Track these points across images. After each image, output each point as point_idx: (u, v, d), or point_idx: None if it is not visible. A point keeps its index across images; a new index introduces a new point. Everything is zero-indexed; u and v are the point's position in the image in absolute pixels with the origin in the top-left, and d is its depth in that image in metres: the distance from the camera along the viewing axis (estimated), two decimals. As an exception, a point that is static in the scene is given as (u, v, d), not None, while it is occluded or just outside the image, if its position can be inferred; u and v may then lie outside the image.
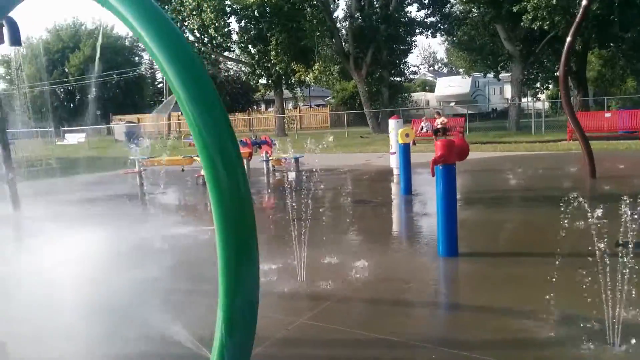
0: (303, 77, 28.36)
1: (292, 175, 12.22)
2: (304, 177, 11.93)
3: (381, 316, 3.67)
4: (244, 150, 12.27)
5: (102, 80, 56.34)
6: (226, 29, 29.02)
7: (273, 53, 27.16)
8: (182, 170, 11.13)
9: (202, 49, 30.59)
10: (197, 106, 1.87)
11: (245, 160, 12.08)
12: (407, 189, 8.71)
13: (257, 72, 30.82)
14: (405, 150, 8.77)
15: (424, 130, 19.80)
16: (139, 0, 1.97)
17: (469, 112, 30.23)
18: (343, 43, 28.39)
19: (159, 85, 66.96)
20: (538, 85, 28.61)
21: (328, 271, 4.61)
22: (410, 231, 6.50)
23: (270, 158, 12.60)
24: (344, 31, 29.40)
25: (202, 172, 8.23)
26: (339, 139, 25.54)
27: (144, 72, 65.35)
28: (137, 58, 64.44)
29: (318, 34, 26.64)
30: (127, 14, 1.94)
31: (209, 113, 1.90)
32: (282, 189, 9.95)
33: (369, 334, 3.28)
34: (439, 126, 19.41)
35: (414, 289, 4.16)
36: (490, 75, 28.73)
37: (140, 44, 64.66)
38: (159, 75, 64.58)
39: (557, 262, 4.17)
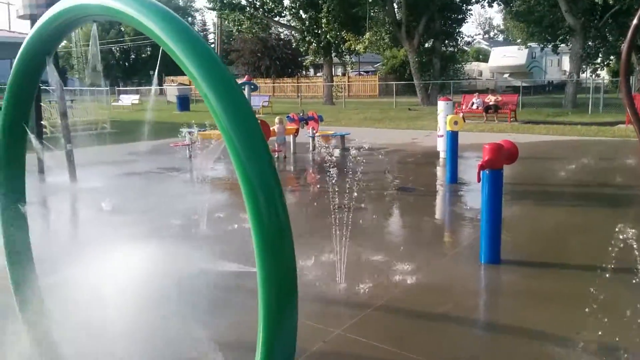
0: (353, 47, 27.91)
1: (337, 153, 12.23)
2: (349, 156, 11.93)
3: (418, 331, 3.71)
4: (291, 125, 12.33)
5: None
6: (278, -6, 28.78)
7: (324, 20, 26.80)
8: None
9: (254, 13, 30.53)
10: (240, 140, 1.79)
11: (292, 137, 12.16)
12: (453, 178, 8.60)
13: (307, 38, 30.55)
14: (453, 138, 8.61)
15: (475, 106, 19.28)
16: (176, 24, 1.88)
17: (524, 84, 29.17)
18: (396, 11, 27.70)
19: (211, 46, 67.16)
20: (599, 60, 27.17)
21: (367, 272, 4.66)
22: (453, 230, 6.43)
23: (316, 134, 12.61)
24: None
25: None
26: (386, 110, 25.27)
27: (198, 32, 65.81)
28: (190, 18, 64.95)
29: (370, 0, 26.07)
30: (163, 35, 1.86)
31: (251, 143, 1.82)
32: (325, 170, 9.99)
33: (402, 353, 3.33)
34: (491, 103, 18.85)
35: (453, 300, 4.16)
36: (549, 47, 27.48)
37: (193, 4, 64.71)
38: (210, 37, 64.95)
39: (606, 277, 4.08)
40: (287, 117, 12.53)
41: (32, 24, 4.15)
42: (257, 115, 11.01)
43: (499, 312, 4.11)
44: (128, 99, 31.93)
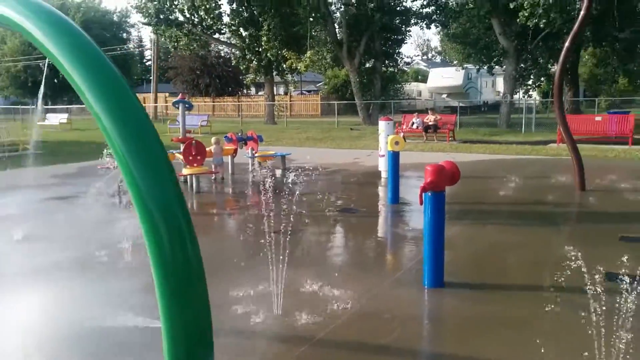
0: (294, 65, 27.84)
1: (277, 174, 11.92)
2: (289, 176, 11.65)
3: (360, 367, 3.43)
4: (229, 146, 11.93)
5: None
6: (217, 11, 28.39)
7: (264, 38, 26.63)
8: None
9: (192, 30, 29.97)
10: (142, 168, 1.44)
11: (230, 157, 11.76)
12: (395, 198, 8.48)
13: (248, 56, 30.27)
14: (394, 158, 8.50)
15: (415, 126, 19.51)
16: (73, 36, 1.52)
17: (461, 104, 29.99)
18: (337, 30, 27.92)
19: (147, 63, 65.77)
20: (530, 82, 28.37)
21: (306, 302, 4.36)
22: (395, 253, 6.25)
23: (256, 155, 12.27)
24: (338, 16, 28.88)
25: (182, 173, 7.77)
26: (328, 129, 25.25)
27: (132, 49, 64.19)
28: (124, 34, 63.20)
29: (311, 19, 26.16)
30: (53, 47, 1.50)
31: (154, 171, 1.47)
32: (263, 191, 9.66)
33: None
34: (430, 123, 19.14)
35: (397, 329, 3.91)
36: (484, 68, 28.43)
37: (128, 19, 62.90)
38: (147, 53, 63.44)
39: (548, 297, 3.98)
40: (225, 137, 12.14)
41: None
42: (193, 135, 10.52)
43: (447, 341, 3.89)
44: (56, 118, 30.41)
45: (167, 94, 48.59)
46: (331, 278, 4.94)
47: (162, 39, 34.50)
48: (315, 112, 38.58)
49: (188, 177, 10.07)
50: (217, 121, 33.35)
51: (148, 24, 30.58)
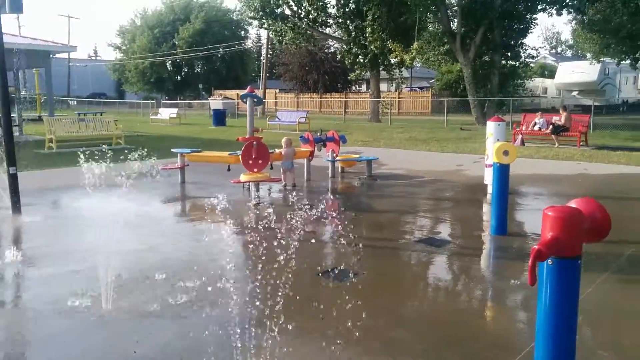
0: (400, 57, 25.47)
1: (357, 183, 9.97)
2: (371, 187, 9.65)
3: None
4: (304, 147, 10.20)
5: (208, 53, 56.71)
6: (321, 2, 26.92)
7: (369, 29, 24.61)
8: (228, 169, 9.25)
9: (298, 23, 28.80)
10: None
11: (305, 161, 10.03)
12: (500, 227, 6.18)
13: (353, 50, 28.48)
14: (502, 173, 6.19)
15: (537, 127, 16.49)
16: None
17: (595, 103, 25.83)
18: (450, 20, 25.16)
19: (264, 61, 66.10)
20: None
21: None
22: (485, 330, 3.99)
23: (336, 159, 10.41)
24: (453, 2, 26.03)
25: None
26: (435, 129, 22.74)
27: (249, 47, 65.18)
28: (242, 32, 64.32)
29: (422, 8, 23.71)
30: None
31: None
32: (331, 209, 7.76)
33: None
34: (559, 123, 15.98)
35: None
36: (627, 61, 24.11)
37: (246, 18, 64.51)
38: (264, 51, 63.93)
39: None
40: (301, 137, 10.40)
41: None
42: (258, 133, 8.74)
43: None
44: (166, 113, 30.82)
45: (277, 90, 48.38)
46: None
47: (270, 34, 33.86)
48: (425, 110, 35.87)
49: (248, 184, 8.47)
50: (321, 118, 31.98)
51: (254, 18, 29.95)
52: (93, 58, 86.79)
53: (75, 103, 53.12)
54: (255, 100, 9.31)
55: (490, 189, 8.14)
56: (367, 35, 25.47)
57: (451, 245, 5.85)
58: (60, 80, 60.72)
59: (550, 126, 16.01)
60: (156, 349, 3.38)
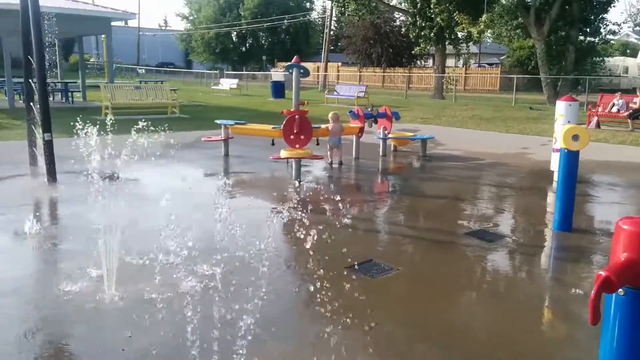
0: (466, 30, 23.98)
1: (409, 164, 9.30)
2: (423, 169, 8.96)
3: None
4: (354, 123, 9.61)
5: (273, 24, 56.38)
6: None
7: (434, 0, 23.31)
8: (272, 143, 8.81)
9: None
10: None
11: (354, 137, 9.44)
12: (565, 223, 5.41)
13: (418, 22, 27.20)
14: (571, 160, 5.38)
15: (615, 109, 15.06)
16: None
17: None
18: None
19: (327, 33, 64.93)
20: None
21: None
22: (545, 342, 3.36)
23: (388, 136, 9.75)
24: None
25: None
26: (502, 108, 21.43)
27: (314, 19, 64.28)
28: (308, 3, 63.49)
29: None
30: None
31: None
32: (375, 189, 7.18)
33: None
34: (634, 105, 14.55)
35: None
36: None
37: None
38: (327, 23, 62.77)
39: None
40: (350, 112, 9.80)
41: None
42: (303, 106, 8.18)
43: None
44: (227, 83, 30.81)
45: (339, 64, 47.46)
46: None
47: (332, 5, 32.95)
48: (493, 87, 34.05)
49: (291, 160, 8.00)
50: (382, 93, 31.01)
51: (316, -13, 29.18)
52: (163, 28, 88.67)
53: (144, 71, 54.38)
54: (302, 71, 8.77)
55: (555, 177, 7.30)
56: (432, 6, 24.16)
57: (505, 240, 5.15)
58: (130, 49, 62.57)
59: (631, 109, 14.57)
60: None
